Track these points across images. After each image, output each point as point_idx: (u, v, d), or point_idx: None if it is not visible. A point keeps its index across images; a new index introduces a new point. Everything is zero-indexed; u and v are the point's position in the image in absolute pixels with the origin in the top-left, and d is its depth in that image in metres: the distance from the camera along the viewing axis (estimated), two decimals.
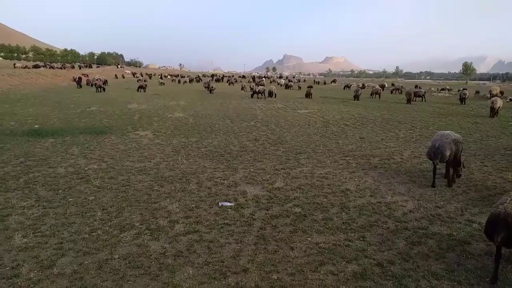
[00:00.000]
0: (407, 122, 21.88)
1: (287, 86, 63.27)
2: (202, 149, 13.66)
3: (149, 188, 9.12)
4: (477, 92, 53.36)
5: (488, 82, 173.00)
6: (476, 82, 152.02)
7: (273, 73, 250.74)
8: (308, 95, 40.52)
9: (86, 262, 5.58)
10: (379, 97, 41.83)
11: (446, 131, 10.17)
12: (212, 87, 46.83)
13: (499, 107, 25.47)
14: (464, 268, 5.62)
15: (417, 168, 11.56)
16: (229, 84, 70.70)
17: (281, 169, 11.15)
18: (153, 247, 6.14)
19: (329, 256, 5.89)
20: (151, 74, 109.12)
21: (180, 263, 5.61)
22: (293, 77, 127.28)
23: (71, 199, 8.27)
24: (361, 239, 6.56)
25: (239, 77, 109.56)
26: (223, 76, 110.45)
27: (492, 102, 25.67)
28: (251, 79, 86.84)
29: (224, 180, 9.88)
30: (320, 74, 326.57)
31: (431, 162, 9.85)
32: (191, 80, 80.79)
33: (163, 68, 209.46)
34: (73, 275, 5.25)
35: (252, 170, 10.94)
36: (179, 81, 78.68)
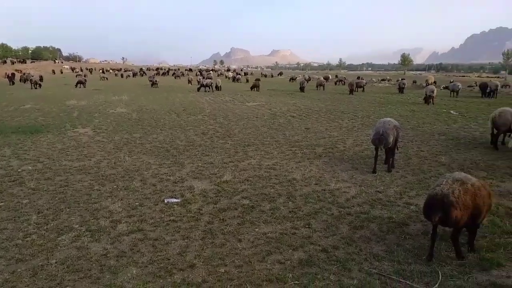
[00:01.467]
0: (349, 112, 22.70)
1: (234, 79, 63.16)
2: (147, 145, 13.27)
3: (89, 188, 8.70)
4: (414, 81, 56.66)
5: (424, 72, 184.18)
6: (413, 72, 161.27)
7: (221, 66, 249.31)
8: (254, 87, 40.73)
9: (19, 270, 5.22)
10: (324, 89, 43.03)
11: (387, 118, 10.73)
12: (157, 81, 45.60)
13: (434, 96, 27.29)
14: (403, 248, 5.94)
15: (359, 155, 12.04)
16: (175, 78, 69.33)
17: (230, 162, 11.11)
18: (93, 249, 5.87)
19: (276, 245, 5.98)
20: (91, 68, 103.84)
21: (123, 264, 5.42)
22: (241, 70, 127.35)
23: (1, 203, 7.67)
24: (307, 226, 6.72)
25: (186, 70, 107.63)
26: (169, 69, 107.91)
27: (431, 91, 27.37)
28: (198, 73, 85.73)
29: (170, 176, 9.67)
30: (267, 67, 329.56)
31: (374, 148, 10.34)
32: (134, 74, 77.95)
33: (105, 62, 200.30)
34: (4, 284, 4.87)
35: (200, 164, 10.80)
36: (122, 76, 75.68)
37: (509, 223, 6.83)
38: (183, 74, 78.83)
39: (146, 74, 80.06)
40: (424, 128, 17.03)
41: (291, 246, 5.97)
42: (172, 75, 75.56)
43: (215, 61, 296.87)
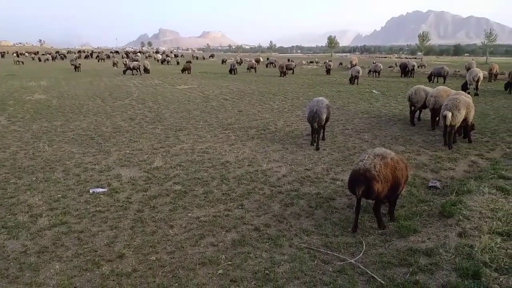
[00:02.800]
0: (280, 94, 23.13)
1: (164, 62, 61.10)
2: (69, 133, 12.40)
3: (4, 182, 7.94)
4: (340, 63, 59.13)
5: (349, 54, 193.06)
6: (339, 54, 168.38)
7: (149, 48, 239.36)
8: (185, 70, 39.81)
9: None
10: (255, 71, 43.31)
11: (320, 98, 11.32)
12: (79, 64, 42.61)
13: (360, 76, 28.85)
14: (330, 221, 6.24)
15: (289, 136, 12.35)
16: (98, 61, 65.27)
17: (160, 148, 10.78)
18: (11, 246, 5.40)
19: (209, 229, 5.95)
20: (3, 52, 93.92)
21: (45, 260, 5.05)
22: (171, 52, 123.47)
23: None
24: (240, 207, 6.78)
25: (111, 52, 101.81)
26: (92, 52, 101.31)
27: (357, 72, 28.79)
28: (125, 55, 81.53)
29: (95, 165, 9.15)
30: (199, 49, 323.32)
31: (310, 125, 10.97)
32: (54, 58, 72.00)
33: (19, 45, 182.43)
34: None
35: (128, 151, 10.35)
36: (39, 59, 69.49)
37: (424, 192, 7.47)
38: (108, 57, 74.53)
39: (66, 58, 74.35)
40: (349, 108, 17.91)
41: (224, 228, 5.98)
42: (96, 58, 70.91)
43: (142, 42, 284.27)
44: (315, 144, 10.90)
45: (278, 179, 8.26)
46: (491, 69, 30.85)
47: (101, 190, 7.53)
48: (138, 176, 8.41)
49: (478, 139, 11.48)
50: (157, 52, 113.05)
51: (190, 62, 51.20)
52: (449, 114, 10.23)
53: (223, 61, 64.87)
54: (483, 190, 6.96)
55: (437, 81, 29.40)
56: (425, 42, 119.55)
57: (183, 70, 39.88)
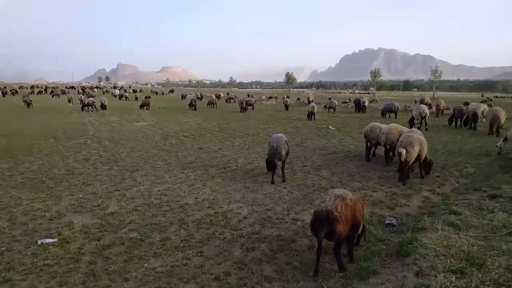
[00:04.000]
0: (241, 130, 23.31)
1: (122, 97, 60.16)
2: (17, 177, 11.68)
3: None
4: (298, 99, 60.92)
5: (306, 89, 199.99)
6: (297, 89, 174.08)
7: (107, 83, 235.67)
8: (144, 105, 39.36)
9: None
10: (216, 107, 43.61)
11: (279, 134, 11.82)
12: (31, 100, 40.95)
13: (315, 112, 29.80)
14: (292, 266, 6.16)
15: (250, 173, 12.34)
16: (53, 97, 63.17)
17: (115, 191, 10.36)
18: None
19: (166, 280, 5.68)
20: None
21: None
22: (129, 87, 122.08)
23: None
24: (199, 254, 6.56)
25: (67, 88, 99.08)
26: (47, 87, 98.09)
27: (312, 108, 29.80)
28: (81, 90, 79.57)
29: (45, 212, 8.60)
30: (158, 84, 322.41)
31: (271, 162, 11.29)
32: (4, 94, 68.85)
33: None
34: None
35: (81, 196, 9.86)
36: None
37: (381, 230, 7.62)
38: (63, 92, 72.33)
39: (18, 93, 71.31)
40: (307, 144, 18.30)
41: (183, 279, 5.74)
42: (50, 93, 68.55)
43: (100, 77, 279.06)
44: (281, 179, 11.40)
45: (239, 221, 8.14)
46: (438, 105, 32.93)
47: (50, 240, 7.04)
48: (91, 223, 7.98)
49: (429, 175, 11.99)
50: (115, 87, 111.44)
51: (149, 97, 50.78)
52: (403, 151, 10.71)
53: (183, 96, 64.89)
54: (437, 226, 7.20)
55: (389, 116, 30.87)
56: (377, 78, 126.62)
57: (141, 106, 39.40)
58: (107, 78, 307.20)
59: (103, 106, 37.22)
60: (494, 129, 20.65)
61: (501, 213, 7.90)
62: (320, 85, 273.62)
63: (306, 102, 46.96)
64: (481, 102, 43.94)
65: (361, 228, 6.37)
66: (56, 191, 10.26)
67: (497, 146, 15.14)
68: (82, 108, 35.90)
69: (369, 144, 14.53)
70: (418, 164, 11.67)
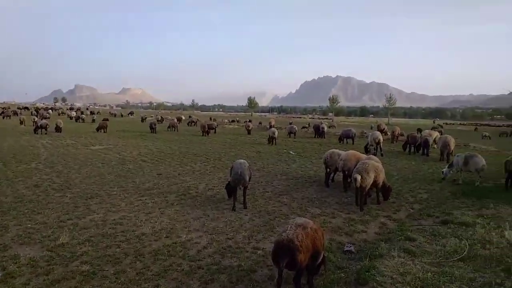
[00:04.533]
0: (202, 154, 23.09)
1: (78, 119, 58.11)
2: None
3: None
4: (260, 123, 61.63)
5: (268, 113, 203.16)
6: (259, 114, 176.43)
7: (63, 104, 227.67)
8: (101, 128, 38.21)
9: None
10: (177, 130, 43.11)
11: (241, 160, 11.86)
12: None
13: (276, 137, 30.21)
14: None
15: (211, 200, 12.16)
16: (3, 118, 59.93)
17: (68, 220, 9.82)
18: None
19: None
20: None
21: None
22: (87, 109, 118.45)
23: None
24: None
25: (19, 108, 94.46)
26: None
27: (273, 133, 30.24)
28: (35, 111, 76.10)
29: None
30: (117, 106, 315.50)
31: (233, 188, 11.26)
32: None
33: None
34: None
35: (29, 225, 9.25)
36: None
37: (340, 257, 7.68)
38: (15, 113, 68.83)
39: None
40: (268, 169, 18.38)
41: None
42: (1, 114, 64.99)
43: (55, 98, 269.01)
44: (243, 205, 11.37)
45: (198, 251, 7.93)
46: (393, 131, 34.39)
47: None
48: (39, 256, 7.47)
49: (387, 200, 12.35)
50: (71, 108, 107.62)
51: (107, 120, 49.46)
52: (359, 177, 11.03)
53: (143, 119, 63.69)
54: (393, 253, 7.38)
55: (347, 142, 31.80)
56: (335, 104, 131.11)
57: (98, 129, 38.23)
58: (64, 99, 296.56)
59: (58, 129, 35.71)
60: (445, 156, 21.78)
61: (453, 239, 8.23)
62: (281, 110, 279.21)
63: (268, 126, 47.56)
64: (433, 128, 46.47)
65: (321, 257, 6.40)
66: (2, 220, 9.55)
67: (442, 172, 15.93)
68: (35, 131, 34.27)
69: (328, 170, 14.84)
70: (376, 190, 12.02)
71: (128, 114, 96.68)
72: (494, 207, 10.69)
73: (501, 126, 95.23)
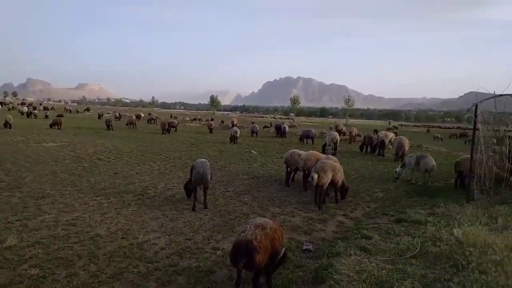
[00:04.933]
0: (162, 153, 22.62)
1: (30, 114, 55.13)
2: None
3: None
4: (222, 121, 61.37)
5: (230, 112, 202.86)
6: (221, 112, 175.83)
7: (14, 98, 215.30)
8: (55, 124, 36.48)
9: None
10: (135, 127, 42.00)
11: (202, 159, 11.69)
12: None
13: (238, 136, 30.29)
14: None
15: (170, 200, 11.93)
16: None
17: (16, 221, 9.27)
18: None
19: None
20: None
21: None
22: (40, 104, 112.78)
23: None
24: None
25: None
26: None
27: (235, 132, 30.26)
28: None
29: None
30: (73, 101, 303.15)
31: (194, 188, 11.12)
32: None
33: None
34: None
35: None
36: None
37: (299, 256, 7.78)
38: None
39: None
40: (230, 168, 18.33)
41: None
42: None
43: (6, 92, 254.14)
44: (203, 205, 11.23)
45: (156, 253, 7.74)
46: (351, 132, 35.39)
47: None
48: None
49: (344, 199, 12.65)
50: (22, 103, 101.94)
51: (61, 116, 47.32)
52: (316, 176, 11.28)
53: (100, 116, 61.52)
54: (350, 251, 7.55)
55: (307, 142, 32.35)
56: (296, 104, 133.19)
57: (52, 125, 36.45)
58: (14, 94, 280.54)
59: (7, 124, 33.67)
60: (400, 156, 22.69)
61: (406, 237, 8.55)
62: (244, 109, 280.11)
63: (230, 125, 47.46)
64: (388, 129, 48.27)
65: (280, 257, 6.45)
66: None
67: (395, 172, 16.60)
68: None
69: (289, 169, 15.01)
70: (334, 189, 12.30)
71: (85, 111, 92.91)
72: (445, 205, 11.22)
73: (451, 128, 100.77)
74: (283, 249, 6.71)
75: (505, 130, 13.98)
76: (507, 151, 13.99)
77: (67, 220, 9.49)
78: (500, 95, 11.52)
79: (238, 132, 30.91)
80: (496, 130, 13.53)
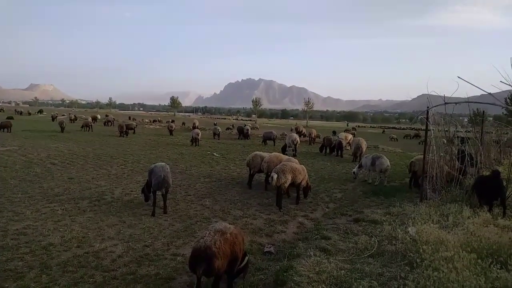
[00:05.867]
0: (119, 156, 21.95)
1: None
2: None
3: None
4: (183, 123, 60.60)
5: (192, 114, 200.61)
6: (182, 114, 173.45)
7: None
8: (5, 127, 34.49)
9: None
10: (91, 130, 40.52)
11: (161, 163, 11.45)
12: None
13: (200, 138, 30.02)
14: None
15: (128, 206, 11.57)
16: None
17: None
18: None
19: None
20: None
21: None
22: None
23: None
24: None
25: None
26: None
27: (196, 134, 29.99)
28: None
29: None
30: (25, 103, 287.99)
31: (153, 192, 11.00)
32: None
33: None
34: None
35: None
36: None
37: (260, 259, 7.80)
38: None
39: None
40: (191, 171, 18.09)
41: None
42: None
43: None
44: (163, 210, 10.99)
45: (113, 261, 7.47)
46: (310, 133, 36.06)
47: None
48: None
49: (303, 200, 12.85)
50: None
51: (11, 118, 44.85)
52: (275, 176, 11.45)
53: (54, 118, 58.82)
54: (310, 253, 7.67)
55: (268, 144, 32.62)
56: (258, 106, 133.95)
57: (0, 128, 34.40)
58: None
59: None
60: (358, 157, 23.39)
61: (364, 236, 8.82)
62: (205, 110, 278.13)
63: (191, 127, 46.94)
64: (346, 130, 49.63)
65: (243, 261, 6.44)
66: None
67: (353, 172, 17.12)
68: None
69: (252, 171, 15.05)
70: (296, 190, 12.45)
71: (37, 112, 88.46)
72: (400, 205, 11.69)
73: (405, 129, 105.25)
74: (247, 257, 6.73)
75: (454, 131, 14.81)
76: (457, 151, 14.83)
77: (17, 229, 8.96)
78: (456, 102, 12.11)
79: (200, 134, 30.65)
80: (446, 131, 14.30)
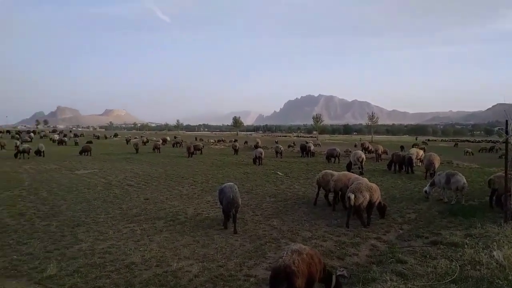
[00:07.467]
0: (189, 177, 22.93)
1: (61, 142, 57.21)
2: None
3: None
4: (246, 142, 61.82)
5: (253, 132, 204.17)
6: (244, 133, 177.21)
7: (45, 126, 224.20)
8: (85, 151, 37.68)
9: None
10: (159, 151, 42.77)
11: (230, 183, 11.95)
12: None
13: (263, 157, 30.41)
14: None
15: (200, 226, 12.02)
16: None
17: (55, 250, 9.59)
18: None
19: None
20: None
21: None
22: (70, 131, 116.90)
23: None
24: None
25: (1, 132, 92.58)
26: None
27: (260, 153, 30.43)
28: (17, 135, 74.67)
29: None
30: (101, 127, 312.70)
31: (227, 212, 11.38)
32: None
33: None
34: None
35: (15, 257, 8.99)
36: None
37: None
38: None
39: None
40: (257, 191, 18.34)
41: None
42: None
43: (37, 121, 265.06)
44: (232, 228, 11.34)
45: (190, 280, 7.80)
46: (376, 150, 34.85)
47: None
48: None
49: (374, 221, 12.42)
50: (54, 131, 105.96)
51: (90, 142, 48.91)
52: (352, 196, 11.26)
53: (128, 141, 63.13)
54: (385, 277, 7.38)
55: (333, 161, 32.06)
56: (319, 122, 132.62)
57: (82, 152, 37.70)
58: (46, 122, 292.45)
59: (39, 153, 35.04)
60: (430, 173, 22.13)
61: (443, 260, 8.29)
62: (266, 129, 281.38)
63: (253, 146, 47.75)
64: (414, 145, 47.27)
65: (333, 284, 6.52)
66: None
67: (425, 191, 16.18)
68: (16, 155, 33.55)
69: (320, 190, 15.00)
70: (367, 210, 12.09)
71: (113, 136, 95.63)
72: (481, 226, 10.84)
73: (481, 142, 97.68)
74: (334, 275, 6.78)
75: None
76: None
77: (102, 248, 9.72)
78: None
79: (263, 154, 31.04)
80: None
